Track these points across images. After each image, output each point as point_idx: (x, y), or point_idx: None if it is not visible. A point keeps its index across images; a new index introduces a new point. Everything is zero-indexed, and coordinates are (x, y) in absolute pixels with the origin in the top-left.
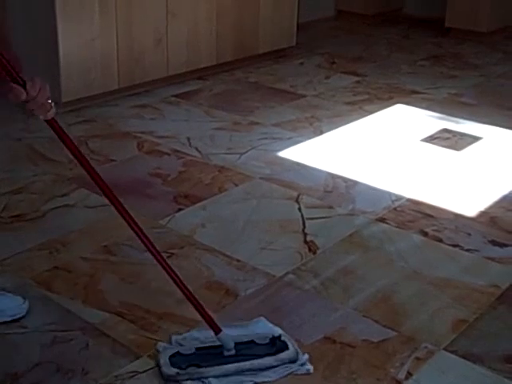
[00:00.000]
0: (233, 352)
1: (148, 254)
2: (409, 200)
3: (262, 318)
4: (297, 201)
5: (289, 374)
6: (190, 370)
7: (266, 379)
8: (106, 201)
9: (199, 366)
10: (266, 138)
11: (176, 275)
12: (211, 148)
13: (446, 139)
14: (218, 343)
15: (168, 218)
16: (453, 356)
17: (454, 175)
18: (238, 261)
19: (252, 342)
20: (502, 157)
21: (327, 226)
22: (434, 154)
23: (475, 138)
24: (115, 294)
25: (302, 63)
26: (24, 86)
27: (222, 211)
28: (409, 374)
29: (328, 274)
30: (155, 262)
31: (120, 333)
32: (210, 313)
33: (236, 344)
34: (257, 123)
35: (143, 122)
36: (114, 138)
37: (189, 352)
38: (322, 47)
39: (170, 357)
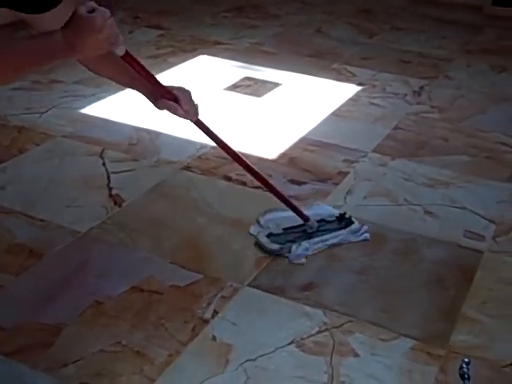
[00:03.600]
0: (315, 229)
1: None
2: (213, 147)
3: (319, 203)
4: (101, 156)
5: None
6: (288, 244)
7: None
8: None
9: (293, 242)
10: (68, 96)
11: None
12: (9, 109)
13: (247, 87)
14: (297, 223)
15: None
16: (256, 291)
17: (256, 121)
18: (42, 220)
19: (322, 220)
20: (299, 101)
21: (132, 178)
22: (236, 102)
23: (275, 84)
24: None
25: None
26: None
27: (24, 172)
28: (215, 313)
29: (134, 225)
30: None
31: None
32: (298, 205)
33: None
34: (58, 81)
35: None
36: None
37: (279, 232)
38: (125, 2)
39: (267, 236)
